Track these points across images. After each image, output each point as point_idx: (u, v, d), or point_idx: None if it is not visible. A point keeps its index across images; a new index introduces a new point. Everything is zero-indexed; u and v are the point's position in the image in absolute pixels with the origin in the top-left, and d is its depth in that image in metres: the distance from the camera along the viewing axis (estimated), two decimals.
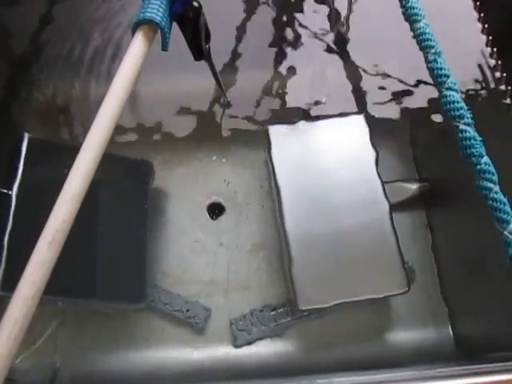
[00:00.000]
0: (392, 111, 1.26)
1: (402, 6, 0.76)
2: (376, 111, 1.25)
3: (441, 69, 0.70)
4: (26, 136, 0.93)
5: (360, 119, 1.16)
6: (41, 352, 1.00)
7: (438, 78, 0.70)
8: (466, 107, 0.68)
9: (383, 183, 1.08)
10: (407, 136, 1.24)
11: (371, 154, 1.11)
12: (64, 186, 0.54)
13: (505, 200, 0.63)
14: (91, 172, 0.56)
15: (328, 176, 1.10)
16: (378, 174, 1.09)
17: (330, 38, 1.34)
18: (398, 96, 1.27)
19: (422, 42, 0.72)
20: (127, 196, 1.09)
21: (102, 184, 1.02)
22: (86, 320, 1.05)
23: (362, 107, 1.26)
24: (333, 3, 1.38)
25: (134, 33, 0.65)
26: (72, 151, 0.59)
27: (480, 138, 0.66)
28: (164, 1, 0.66)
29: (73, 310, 1.05)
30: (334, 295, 1.00)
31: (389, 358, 1.04)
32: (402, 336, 1.06)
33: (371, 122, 1.17)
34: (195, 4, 0.73)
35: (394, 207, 1.09)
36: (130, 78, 0.62)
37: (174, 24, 0.73)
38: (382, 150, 1.15)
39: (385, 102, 1.27)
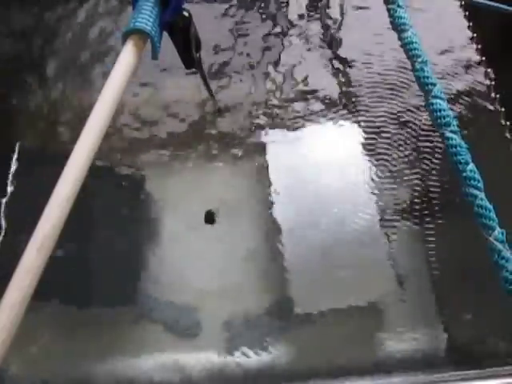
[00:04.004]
0: (389, 116, 1.26)
1: (390, 16, 0.77)
2: (373, 117, 1.25)
3: (427, 77, 0.71)
4: (18, 144, 0.94)
5: (355, 125, 1.17)
6: (32, 361, 1.00)
7: (424, 87, 0.71)
8: (452, 115, 0.69)
9: (377, 191, 1.09)
10: (404, 142, 1.25)
11: (365, 160, 1.12)
12: (53, 192, 0.54)
13: (490, 207, 0.63)
14: (80, 179, 0.56)
15: (322, 183, 1.11)
16: (372, 181, 1.10)
17: (324, 45, 1.35)
18: (395, 101, 1.28)
19: (410, 51, 0.73)
20: (120, 204, 1.09)
21: (95, 192, 1.03)
22: (78, 329, 1.04)
23: (357, 113, 1.26)
24: (326, 8, 1.39)
25: (124, 42, 0.66)
26: (63, 159, 0.59)
27: (466, 146, 0.67)
28: (154, 10, 0.67)
29: (65, 319, 1.05)
30: (327, 301, 1.00)
31: (383, 363, 1.04)
32: (397, 342, 1.06)
33: (367, 127, 1.18)
34: (185, 14, 0.74)
35: (388, 216, 1.10)
36: (120, 86, 0.62)
37: (165, 33, 0.74)
38: (378, 156, 1.16)
39: (382, 108, 1.27)
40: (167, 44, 0.75)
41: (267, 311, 1.07)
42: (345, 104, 1.26)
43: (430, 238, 1.13)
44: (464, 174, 0.66)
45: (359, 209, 1.09)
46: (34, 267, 0.51)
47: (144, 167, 1.17)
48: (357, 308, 1.00)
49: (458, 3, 1.31)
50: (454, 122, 0.69)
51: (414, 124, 1.24)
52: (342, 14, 1.38)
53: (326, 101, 1.27)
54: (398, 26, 0.76)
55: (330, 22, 1.38)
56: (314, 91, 1.28)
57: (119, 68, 0.64)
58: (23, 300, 0.50)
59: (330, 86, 1.29)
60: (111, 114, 0.61)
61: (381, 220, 1.04)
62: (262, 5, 1.40)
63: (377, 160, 1.19)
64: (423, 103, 0.73)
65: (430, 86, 0.71)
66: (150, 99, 1.26)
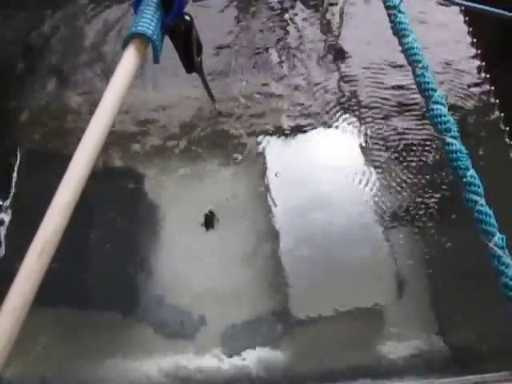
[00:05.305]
0: (388, 120, 1.26)
1: (391, 21, 0.77)
2: (371, 120, 1.26)
3: (428, 83, 0.71)
4: (21, 147, 0.94)
5: (355, 130, 1.17)
6: (32, 363, 1.00)
7: (425, 92, 0.71)
8: (452, 121, 0.69)
9: (377, 195, 1.09)
10: (402, 144, 1.25)
11: (365, 165, 1.12)
12: (54, 197, 0.54)
13: (490, 212, 0.63)
14: (81, 183, 0.56)
15: (321, 186, 1.11)
16: (372, 185, 1.10)
17: (323, 48, 1.36)
18: (393, 105, 1.28)
19: (410, 57, 0.73)
20: (120, 207, 1.09)
21: (95, 196, 1.03)
22: (77, 331, 1.05)
23: (358, 118, 1.26)
24: (325, 13, 1.40)
25: (125, 46, 0.66)
26: (65, 159, 0.59)
27: (466, 151, 0.67)
28: (156, 15, 0.67)
29: (64, 322, 1.05)
30: (326, 304, 1.00)
31: (381, 368, 1.04)
32: (395, 347, 1.06)
33: (365, 131, 1.19)
34: (187, 18, 0.74)
35: (388, 219, 1.10)
36: (122, 90, 0.62)
37: (166, 37, 0.74)
38: (378, 159, 1.16)
39: (380, 112, 1.27)
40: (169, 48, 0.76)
41: (267, 314, 1.07)
42: (345, 108, 1.27)
43: (430, 243, 1.14)
44: (464, 180, 0.65)
45: (359, 212, 1.09)
46: (34, 272, 0.51)
47: (144, 171, 1.18)
48: (356, 311, 1.00)
49: (458, 9, 1.32)
50: (455, 128, 0.69)
51: (416, 128, 1.25)
52: (341, 18, 1.39)
53: (327, 105, 1.27)
54: (398, 32, 0.76)
55: (329, 26, 1.39)
56: (313, 95, 1.29)
57: (121, 72, 0.64)
58: (24, 305, 0.50)
59: (330, 91, 1.30)
60: (113, 117, 0.61)
61: (381, 224, 1.04)
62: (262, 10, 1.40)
63: (377, 164, 1.19)
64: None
65: (430, 92, 0.71)
66: (150, 102, 1.27)
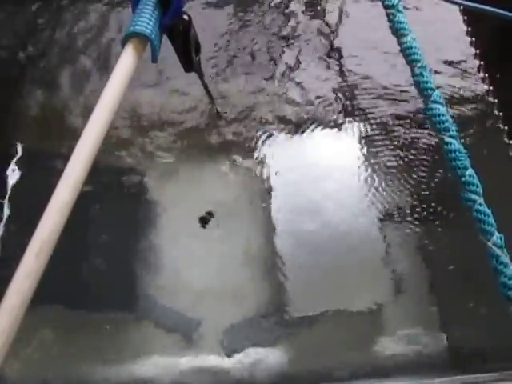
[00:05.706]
0: (388, 119, 1.26)
1: (390, 21, 0.77)
2: (371, 119, 1.26)
3: (426, 82, 0.71)
4: (19, 146, 0.95)
5: (354, 130, 1.17)
6: (31, 363, 1.00)
7: (423, 92, 0.71)
8: (451, 120, 0.69)
9: (376, 194, 1.09)
10: (401, 144, 1.25)
11: (364, 164, 1.12)
12: (52, 197, 0.54)
13: (489, 212, 0.63)
14: (80, 183, 0.56)
15: (320, 186, 1.11)
16: (371, 184, 1.10)
17: (322, 47, 1.36)
18: (395, 105, 1.28)
19: (409, 56, 0.73)
20: (120, 207, 1.10)
21: (94, 196, 1.03)
22: (77, 332, 1.05)
23: (355, 116, 1.26)
24: (324, 13, 1.40)
25: (123, 45, 0.66)
26: (63, 161, 0.59)
27: (465, 151, 0.67)
28: (154, 14, 0.67)
29: (63, 322, 1.05)
30: (325, 304, 1.00)
31: (381, 368, 1.04)
32: (395, 346, 1.06)
33: (365, 131, 1.19)
34: (185, 17, 0.74)
35: (386, 218, 1.10)
36: (120, 89, 0.62)
37: (164, 36, 0.74)
38: (377, 160, 1.16)
39: (381, 111, 1.27)
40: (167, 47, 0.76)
41: (266, 314, 1.07)
42: (344, 108, 1.27)
43: (430, 242, 1.14)
44: (463, 179, 0.65)
45: (358, 212, 1.09)
46: (33, 271, 0.51)
47: (143, 171, 1.18)
48: (355, 311, 1.00)
49: (457, 8, 1.32)
50: (453, 127, 0.69)
51: (414, 128, 1.25)
52: (340, 18, 1.39)
53: (325, 105, 1.27)
54: (397, 31, 0.76)
55: (328, 26, 1.39)
56: (312, 95, 1.29)
57: (119, 71, 0.64)
58: (22, 304, 0.50)
59: (329, 91, 1.30)
60: (111, 116, 0.61)
61: (381, 223, 1.04)
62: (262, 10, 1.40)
63: (377, 163, 1.19)
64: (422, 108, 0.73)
65: (429, 91, 0.71)
66: (148, 102, 1.27)
